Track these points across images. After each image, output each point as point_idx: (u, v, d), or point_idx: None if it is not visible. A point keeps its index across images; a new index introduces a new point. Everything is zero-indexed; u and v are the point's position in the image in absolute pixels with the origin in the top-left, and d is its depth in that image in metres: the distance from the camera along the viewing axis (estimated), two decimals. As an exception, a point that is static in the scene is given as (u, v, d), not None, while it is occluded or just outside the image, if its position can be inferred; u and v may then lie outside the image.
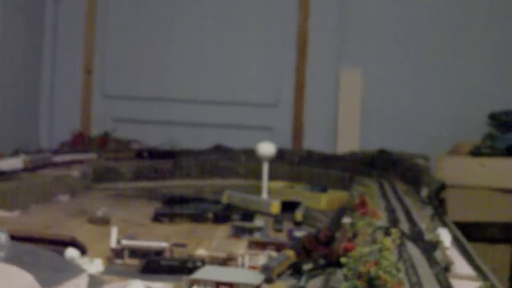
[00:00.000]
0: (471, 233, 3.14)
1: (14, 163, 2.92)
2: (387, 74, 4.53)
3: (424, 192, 3.10)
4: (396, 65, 4.53)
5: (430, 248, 1.78)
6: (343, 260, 1.42)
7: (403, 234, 1.88)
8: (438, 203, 3.05)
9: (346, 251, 1.58)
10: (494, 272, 2.60)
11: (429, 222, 2.28)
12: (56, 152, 3.59)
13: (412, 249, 1.77)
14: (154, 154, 3.86)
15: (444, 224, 2.49)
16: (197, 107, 4.62)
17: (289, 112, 4.59)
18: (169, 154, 3.85)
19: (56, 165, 3.29)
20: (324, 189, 3.16)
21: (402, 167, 3.59)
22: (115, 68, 4.66)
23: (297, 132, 4.57)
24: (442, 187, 3.30)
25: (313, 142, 4.45)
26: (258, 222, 2.42)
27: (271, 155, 3.01)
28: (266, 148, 3.01)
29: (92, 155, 3.70)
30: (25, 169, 2.96)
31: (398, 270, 1.38)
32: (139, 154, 3.86)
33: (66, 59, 4.66)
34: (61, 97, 4.66)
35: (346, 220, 2.08)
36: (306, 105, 4.58)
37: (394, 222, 2.07)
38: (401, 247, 1.75)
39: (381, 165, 3.68)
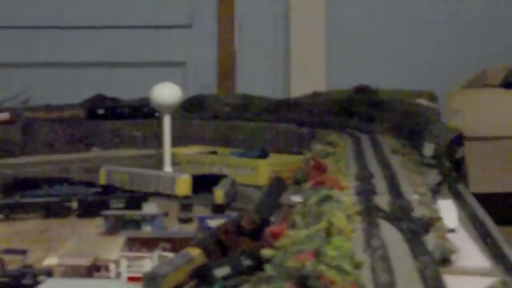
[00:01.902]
0: (505, 210, 3.17)
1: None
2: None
3: (429, 149, 3.15)
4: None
5: (418, 230, 1.78)
6: (265, 252, 1.50)
7: (372, 208, 1.90)
8: (451, 166, 3.10)
9: (274, 239, 1.63)
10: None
11: (427, 192, 2.28)
12: None
13: (390, 232, 1.77)
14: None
15: (457, 196, 2.57)
16: (64, 36, 4.53)
17: (211, 35, 4.49)
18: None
19: None
20: (263, 153, 3.11)
21: (394, 113, 3.56)
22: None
23: (225, 67, 4.49)
24: (459, 140, 3.29)
25: (251, 82, 4.39)
26: (149, 208, 2.43)
27: (174, 102, 2.97)
28: (165, 91, 2.95)
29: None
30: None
31: (356, 265, 1.43)
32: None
33: None
34: None
35: (295, 197, 2.13)
36: (238, 24, 4.47)
37: (366, 193, 2.08)
38: (370, 230, 1.76)
39: (361, 112, 3.64)
